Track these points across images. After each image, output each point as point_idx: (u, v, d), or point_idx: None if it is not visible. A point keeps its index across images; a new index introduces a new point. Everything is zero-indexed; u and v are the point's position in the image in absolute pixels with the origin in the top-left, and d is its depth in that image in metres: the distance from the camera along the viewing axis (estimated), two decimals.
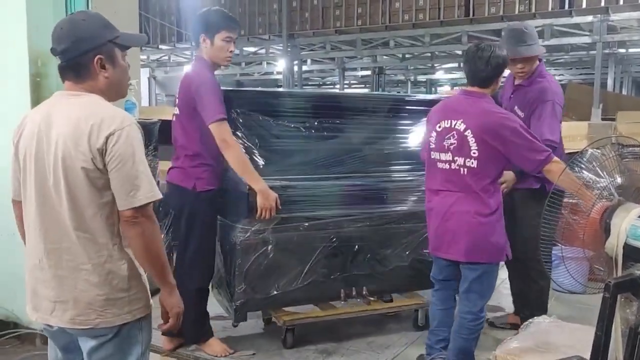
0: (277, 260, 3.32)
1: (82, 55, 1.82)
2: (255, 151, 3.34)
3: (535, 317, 3.15)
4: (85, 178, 1.76)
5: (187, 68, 13.34)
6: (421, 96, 5.34)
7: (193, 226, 3.16)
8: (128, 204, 1.75)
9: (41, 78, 3.47)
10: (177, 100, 3.27)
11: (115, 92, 1.93)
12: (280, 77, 12.30)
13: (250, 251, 3.25)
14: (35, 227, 1.87)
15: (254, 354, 3.45)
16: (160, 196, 1.82)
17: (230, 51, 3.21)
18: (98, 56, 1.83)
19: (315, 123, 3.56)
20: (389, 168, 3.72)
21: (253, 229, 3.21)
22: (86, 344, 1.88)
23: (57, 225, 1.82)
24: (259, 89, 3.61)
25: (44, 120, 1.83)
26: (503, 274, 5.35)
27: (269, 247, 3.28)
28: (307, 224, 3.34)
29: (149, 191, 1.77)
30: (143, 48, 10.82)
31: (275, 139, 3.43)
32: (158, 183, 4.33)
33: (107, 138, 1.74)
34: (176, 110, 3.23)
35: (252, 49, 11.31)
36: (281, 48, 10.51)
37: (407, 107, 3.94)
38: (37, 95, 3.45)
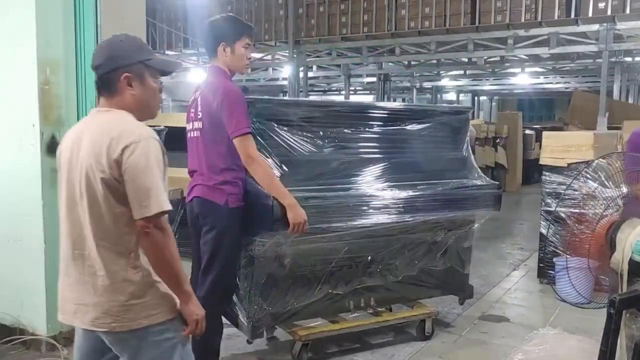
0: (294, 273, 3.30)
1: (111, 72, 1.94)
2: (270, 161, 3.24)
3: (540, 328, 3.14)
4: (104, 189, 1.85)
5: (193, 73, 13.23)
6: (441, 106, 5.30)
7: (222, 243, 3.02)
8: (140, 214, 1.82)
9: (49, 86, 3.49)
10: (192, 114, 3.13)
11: (143, 111, 2.02)
12: (285, 83, 12.33)
13: (268, 265, 3.21)
14: (65, 234, 1.98)
15: None
16: (170, 208, 1.86)
17: (249, 58, 3.17)
18: (125, 74, 1.94)
19: (329, 133, 3.50)
20: (406, 178, 3.67)
21: (271, 241, 3.16)
22: (115, 347, 1.97)
23: (81, 233, 1.92)
24: (271, 97, 3.58)
25: (77, 135, 1.96)
26: (507, 284, 5.37)
27: (286, 261, 3.25)
28: (324, 236, 3.30)
29: (159, 202, 1.83)
30: None
31: (290, 148, 3.34)
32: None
33: (123, 150, 1.82)
34: (197, 125, 3.07)
35: (258, 55, 11.33)
36: (287, 54, 10.53)
37: (418, 117, 3.91)
38: (45, 103, 3.48)
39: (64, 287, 2.00)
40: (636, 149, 2.95)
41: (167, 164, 1.93)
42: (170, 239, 1.90)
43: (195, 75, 12.10)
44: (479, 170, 4.06)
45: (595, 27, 7.85)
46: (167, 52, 11.85)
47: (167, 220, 1.91)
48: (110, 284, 1.89)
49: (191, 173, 3.15)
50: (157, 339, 1.95)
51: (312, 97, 15.36)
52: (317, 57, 10.93)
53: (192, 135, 3.12)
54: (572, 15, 7.90)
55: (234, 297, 3.32)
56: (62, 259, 2.00)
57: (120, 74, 1.94)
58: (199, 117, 3.06)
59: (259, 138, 3.19)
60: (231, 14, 3.23)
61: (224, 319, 3.25)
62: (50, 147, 3.51)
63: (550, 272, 4.89)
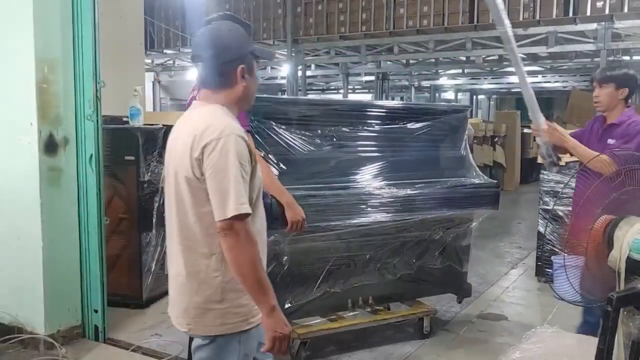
0: (292, 272, 3.30)
1: (226, 64, 1.86)
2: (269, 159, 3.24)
3: (538, 327, 3.14)
4: (187, 187, 1.81)
5: (192, 72, 13.21)
6: (439, 105, 5.27)
7: None
8: (218, 215, 1.75)
9: (47, 84, 3.49)
10: None
11: (248, 102, 1.97)
12: (284, 81, 12.31)
13: (266, 263, 3.21)
14: (167, 230, 1.99)
15: None
16: (250, 211, 1.76)
17: None
18: (241, 66, 1.87)
19: (327, 131, 3.51)
20: (404, 176, 3.68)
21: (269, 240, 3.17)
22: (193, 342, 1.97)
23: (171, 231, 1.93)
24: (269, 95, 3.56)
25: (176, 132, 1.94)
26: (505, 282, 5.38)
27: (284, 259, 3.26)
28: (322, 234, 3.30)
29: (236, 205, 1.73)
30: (147, 52, 10.85)
31: (288, 147, 3.35)
32: (162, 189, 4.40)
33: (203, 148, 1.76)
34: None
35: None
36: (285, 53, 10.52)
37: (410, 115, 3.92)
38: (43, 102, 3.48)
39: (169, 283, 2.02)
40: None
41: (254, 162, 1.84)
42: (251, 244, 1.78)
43: (193, 74, 12.08)
44: (477, 168, 4.06)
45: (593, 26, 7.85)
46: (165, 50, 11.84)
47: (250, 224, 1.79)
48: (190, 285, 1.86)
49: None
50: (226, 351, 1.89)
51: (311, 96, 15.34)
52: (316, 55, 10.92)
53: None
54: (570, 14, 7.90)
55: None
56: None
57: (237, 65, 1.86)
58: None
59: (258, 137, 3.19)
60: (229, 12, 3.21)
61: None
62: (48, 145, 3.50)
63: (548, 270, 4.88)
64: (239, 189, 1.74)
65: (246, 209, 1.75)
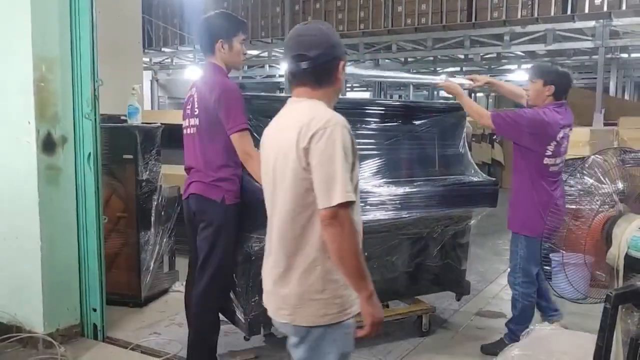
0: None
1: (331, 61, 1.92)
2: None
3: (536, 324, 3.15)
4: (292, 179, 1.83)
5: (189, 70, 13.25)
6: (438, 103, 5.30)
7: (219, 240, 3.01)
8: (323, 203, 1.77)
9: (45, 83, 3.49)
10: (188, 111, 3.10)
11: (338, 97, 2.02)
12: (282, 80, 12.31)
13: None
14: (268, 225, 2.01)
15: (256, 357, 3.47)
16: (354, 199, 1.81)
17: (245, 53, 3.17)
18: (342, 62, 1.95)
19: None
20: (403, 174, 3.69)
21: (267, 237, 3.16)
22: (290, 340, 1.98)
23: (272, 224, 1.96)
24: (268, 94, 3.54)
25: (275, 126, 1.98)
26: (504, 280, 5.38)
27: None
28: None
29: (343, 193, 1.75)
30: (145, 50, 10.84)
31: None
32: (160, 187, 4.40)
33: (311, 137, 1.78)
34: (193, 122, 3.04)
35: (254, 52, 11.32)
36: (283, 51, 10.53)
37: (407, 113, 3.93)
38: (40, 100, 3.47)
39: (264, 274, 2.03)
40: None
41: (357, 153, 1.87)
42: (354, 232, 1.83)
43: (191, 72, 12.08)
44: (476, 166, 4.06)
45: (591, 23, 7.87)
46: (163, 49, 11.84)
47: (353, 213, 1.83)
48: (291, 274, 1.88)
49: (187, 170, 3.15)
50: (328, 342, 1.90)
51: None
52: None
53: (188, 132, 3.11)
54: (569, 12, 7.92)
55: (231, 294, 3.32)
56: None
57: (339, 62, 1.93)
58: (196, 113, 3.04)
59: (256, 135, 3.18)
60: (225, 10, 3.20)
61: (221, 316, 3.26)
62: (46, 144, 3.50)
63: (547, 268, 4.89)
64: (346, 177, 1.76)
65: (351, 197, 1.77)
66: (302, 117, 1.83)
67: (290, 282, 1.89)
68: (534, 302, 3.58)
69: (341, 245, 1.79)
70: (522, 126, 3.34)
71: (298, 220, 1.86)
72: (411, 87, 15.73)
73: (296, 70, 1.93)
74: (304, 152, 1.79)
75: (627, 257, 1.94)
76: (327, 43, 1.91)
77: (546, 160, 3.36)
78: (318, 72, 1.91)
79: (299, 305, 1.88)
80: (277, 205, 1.91)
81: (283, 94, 12.14)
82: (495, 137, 11.99)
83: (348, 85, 14.68)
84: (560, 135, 3.36)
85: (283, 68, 11.19)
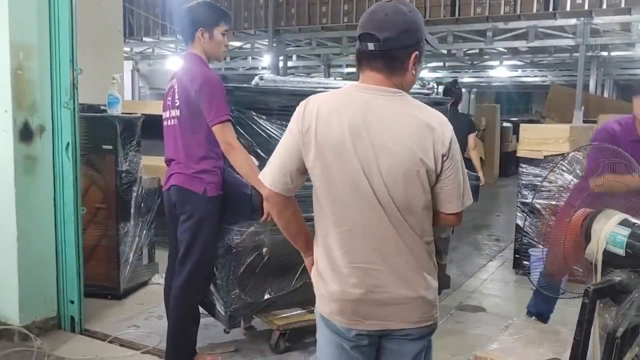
0: (271, 263, 3.28)
1: (403, 49, 1.66)
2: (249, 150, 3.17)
3: (515, 318, 3.19)
4: (417, 181, 1.65)
5: (171, 61, 13.06)
6: (420, 97, 5.27)
7: (200, 232, 2.97)
8: (456, 207, 1.75)
9: (22, 71, 3.42)
10: (169, 102, 3.05)
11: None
12: (265, 72, 12.23)
13: (245, 254, 3.19)
14: (347, 216, 1.83)
15: (236, 350, 3.46)
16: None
17: (227, 45, 3.13)
18: (416, 52, 1.68)
19: None
20: None
21: (249, 231, 3.13)
22: (410, 347, 1.87)
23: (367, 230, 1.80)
24: (250, 85, 3.47)
25: (361, 114, 1.66)
26: (484, 274, 5.43)
27: (264, 250, 3.22)
28: None
29: (469, 196, 1.77)
30: (126, 40, 10.70)
31: (269, 137, 3.30)
32: (140, 179, 4.35)
33: (450, 143, 1.66)
34: (174, 113, 2.99)
35: (237, 44, 11.23)
36: (267, 43, 10.45)
37: None
38: (18, 89, 3.40)
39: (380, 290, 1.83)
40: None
41: None
42: None
43: (172, 63, 11.96)
44: None
45: (572, 21, 7.93)
46: (145, 38, 11.69)
47: None
48: (425, 276, 1.78)
49: (168, 162, 3.11)
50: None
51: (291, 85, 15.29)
52: (297, 46, 10.88)
53: (169, 123, 3.07)
54: (551, 9, 7.97)
55: (211, 287, 3.30)
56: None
57: (412, 52, 1.67)
58: (177, 104, 2.99)
59: (238, 127, 3.16)
60: (209, 0, 3.16)
61: (200, 309, 3.23)
62: (24, 133, 3.44)
63: (526, 262, 4.95)
64: (467, 180, 1.78)
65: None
66: (427, 118, 1.67)
67: (428, 282, 1.78)
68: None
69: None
70: None
71: (421, 222, 1.71)
72: None
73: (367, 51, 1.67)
74: (442, 157, 1.65)
75: (606, 253, 1.96)
76: (403, 27, 1.65)
77: None
78: (385, 58, 1.67)
79: (436, 302, 1.85)
80: (392, 205, 1.66)
81: (266, 86, 12.07)
82: (476, 132, 12.08)
83: (331, 78, 14.66)
84: None
85: (266, 60, 11.13)
